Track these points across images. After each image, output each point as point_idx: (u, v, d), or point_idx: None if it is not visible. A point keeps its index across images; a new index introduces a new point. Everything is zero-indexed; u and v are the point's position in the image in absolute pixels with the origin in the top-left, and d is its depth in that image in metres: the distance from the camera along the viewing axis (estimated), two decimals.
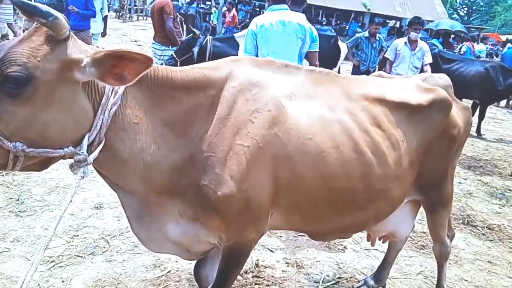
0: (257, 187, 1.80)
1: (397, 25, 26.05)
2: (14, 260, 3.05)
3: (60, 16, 1.37)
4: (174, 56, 6.11)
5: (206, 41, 6.11)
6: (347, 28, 24.10)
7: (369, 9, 23.73)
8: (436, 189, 2.49)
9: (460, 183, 5.71)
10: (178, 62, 5.88)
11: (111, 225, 3.64)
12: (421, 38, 7.54)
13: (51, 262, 3.07)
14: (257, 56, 4.17)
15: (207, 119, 1.74)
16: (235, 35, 6.34)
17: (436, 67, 7.56)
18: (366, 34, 8.47)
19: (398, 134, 2.14)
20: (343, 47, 9.07)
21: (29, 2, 1.35)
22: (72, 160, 1.53)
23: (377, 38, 8.29)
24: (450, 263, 3.50)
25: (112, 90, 1.55)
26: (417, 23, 7.16)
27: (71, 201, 1.55)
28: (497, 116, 11.95)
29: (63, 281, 2.88)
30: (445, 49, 10.56)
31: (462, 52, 12.43)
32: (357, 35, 8.94)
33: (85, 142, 1.50)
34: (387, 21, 26.12)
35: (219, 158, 1.72)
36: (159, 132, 1.67)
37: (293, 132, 1.84)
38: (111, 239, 3.44)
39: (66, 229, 3.51)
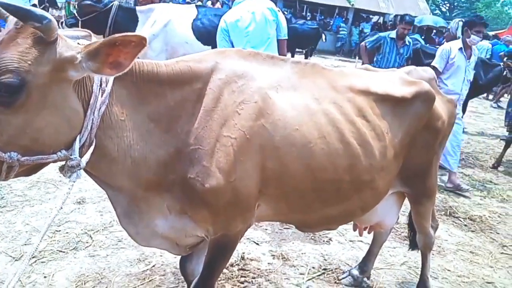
0: (244, 179, 1.78)
1: (381, 20, 26.26)
2: None
3: (52, 17, 1.31)
4: (76, 15, 5.64)
5: (112, 5, 5.56)
6: (331, 23, 24.18)
7: (353, 5, 23.82)
8: (421, 180, 2.51)
9: (442, 175, 5.79)
10: (80, 22, 5.44)
11: (93, 220, 3.59)
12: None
13: (33, 257, 3.00)
14: None
15: (194, 113, 1.72)
16: (137, 8, 5.84)
17: (418, 62, 7.59)
18: (393, 34, 6.51)
19: (383, 126, 2.15)
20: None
21: (23, 6, 1.27)
22: (62, 162, 1.48)
23: (407, 42, 6.53)
24: (433, 254, 3.56)
25: (100, 88, 1.51)
26: (481, 24, 5.24)
27: (61, 208, 1.52)
28: (478, 110, 12.17)
29: (45, 277, 2.82)
30: (428, 44, 10.68)
31: None
32: (381, 34, 6.90)
33: (77, 145, 1.46)
34: (370, 16, 26.32)
35: (206, 150, 1.70)
36: (146, 128, 1.64)
37: (280, 123, 1.83)
38: (94, 234, 3.38)
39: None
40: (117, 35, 1.36)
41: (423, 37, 11.74)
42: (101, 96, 1.50)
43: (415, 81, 2.33)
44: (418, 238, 2.87)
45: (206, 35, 5.52)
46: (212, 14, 5.70)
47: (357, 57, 12.57)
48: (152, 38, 5.31)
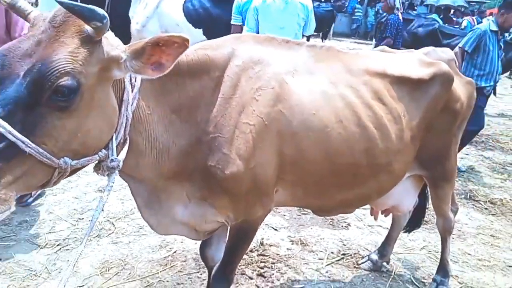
0: (263, 164, 1.80)
1: None
2: (20, 244, 3.08)
3: (102, 10, 1.26)
4: None
5: None
6: (346, 4, 23.73)
7: None
8: (439, 164, 2.48)
9: (462, 158, 5.71)
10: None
11: (115, 207, 3.66)
12: (420, 14, 7.11)
13: (57, 245, 3.09)
14: (258, 32, 4.15)
15: (212, 101, 1.72)
16: None
17: (436, 42, 7.42)
18: (493, 26, 5.00)
19: (399, 108, 2.13)
20: None
21: (87, 6, 1.22)
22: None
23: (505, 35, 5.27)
24: (453, 238, 3.53)
25: (130, 84, 1.51)
26: None
27: (102, 210, 1.47)
28: (499, 91, 11.87)
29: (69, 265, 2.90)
30: (446, 24, 10.43)
31: (463, 27, 12.27)
32: (478, 26, 5.35)
33: (114, 144, 1.45)
34: None
35: (226, 138, 1.71)
36: (168, 119, 1.66)
37: (297, 108, 1.83)
38: (116, 221, 3.46)
39: (71, 212, 3.53)
40: (161, 35, 1.34)
41: (441, 17, 11.47)
42: (132, 91, 1.50)
43: (433, 62, 2.30)
44: (437, 222, 2.86)
45: (196, 17, 5.46)
46: None
47: (373, 39, 12.33)
48: (147, 21, 5.29)
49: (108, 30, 1.33)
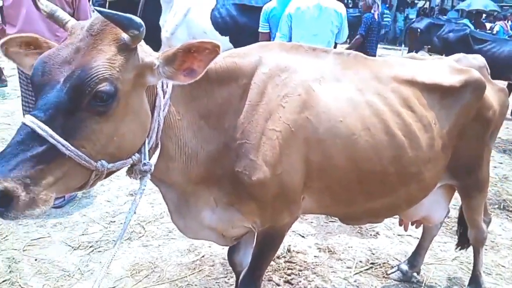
0: (290, 171, 1.81)
1: (427, 5, 25.22)
2: (54, 245, 3.19)
3: (139, 19, 1.31)
4: None
5: None
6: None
7: None
8: (471, 173, 2.43)
9: (495, 167, 5.55)
10: (107, 3, 5.36)
11: (145, 211, 3.74)
12: (451, 19, 6.98)
13: (90, 247, 3.18)
14: (290, 39, 4.18)
15: (240, 108, 1.75)
16: None
17: (467, 48, 7.24)
18: None
19: (430, 116, 2.10)
20: None
21: (125, 15, 1.28)
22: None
23: None
24: (486, 249, 3.43)
25: (162, 90, 1.55)
26: None
27: (134, 212, 1.53)
28: None
29: (103, 266, 2.98)
30: (477, 30, 10.19)
31: (495, 32, 11.96)
32: None
33: (147, 148, 1.50)
34: (415, 1, 25.33)
35: (252, 144, 1.73)
36: (197, 125, 1.70)
37: (324, 115, 1.84)
38: (146, 224, 3.53)
39: (103, 215, 3.63)
40: (193, 41, 1.38)
41: (472, 22, 11.22)
42: (164, 97, 1.55)
43: (464, 69, 2.26)
44: (470, 233, 2.79)
45: (223, 25, 5.55)
46: (230, 4, 5.68)
47: (403, 45, 12.17)
48: (175, 29, 5.40)
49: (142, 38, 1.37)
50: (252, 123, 1.74)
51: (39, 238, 3.25)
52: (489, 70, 2.49)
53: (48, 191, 1.26)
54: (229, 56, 1.82)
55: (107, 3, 5.44)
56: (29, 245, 3.15)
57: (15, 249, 3.09)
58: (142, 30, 1.31)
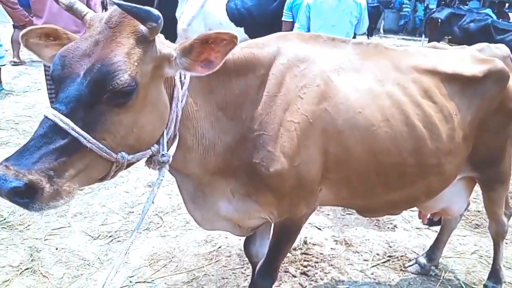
0: (308, 163, 1.80)
1: None
2: (74, 235, 3.25)
3: (157, 11, 1.31)
4: None
5: None
6: (393, 0, 23.04)
7: None
8: (493, 166, 2.38)
9: None
10: None
11: (163, 202, 3.78)
12: (472, 9, 6.81)
13: (110, 237, 3.24)
14: (309, 29, 4.17)
15: (258, 99, 1.75)
16: None
17: (489, 38, 7.07)
18: None
19: (451, 107, 2.06)
20: None
21: (143, 7, 1.27)
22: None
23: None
24: (507, 243, 3.37)
25: (180, 81, 1.56)
26: None
27: (153, 202, 1.53)
28: None
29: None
30: (500, 19, 9.93)
31: None
32: None
33: (165, 139, 1.51)
34: None
35: (270, 135, 1.73)
36: (215, 116, 1.70)
37: (342, 106, 1.82)
38: (164, 215, 3.58)
39: (122, 206, 3.69)
40: (210, 32, 1.37)
41: (494, 12, 10.94)
42: (182, 88, 1.55)
43: (487, 59, 2.20)
44: (490, 226, 2.74)
45: (239, 17, 5.63)
46: None
47: (423, 35, 11.90)
48: (192, 20, 5.44)
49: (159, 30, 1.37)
50: (270, 114, 1.73)
51: (60, 228, 3.32)
52: None
53: (71, 182, 1.28)
54: (247, 46, 1.81)
55: None
56: (50, 235, 3.22)
57: (37, 239, 3.16)
58: (160, 22, 1.31)
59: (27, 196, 1.19)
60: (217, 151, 1.73)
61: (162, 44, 1.44)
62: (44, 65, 4.15)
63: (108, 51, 1.30)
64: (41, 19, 3.94)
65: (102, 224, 3.41)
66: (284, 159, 1.74)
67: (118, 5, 1.27)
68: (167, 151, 1.52)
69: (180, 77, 1.56)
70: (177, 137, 1.58)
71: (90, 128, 1.28)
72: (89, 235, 3.25)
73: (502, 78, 2.16)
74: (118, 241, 3.19)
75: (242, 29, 5.63)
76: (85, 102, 1.28)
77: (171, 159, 1.53)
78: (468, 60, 2.20)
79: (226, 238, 3.28)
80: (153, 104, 1.43)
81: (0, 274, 2.78)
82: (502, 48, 2.43)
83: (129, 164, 1.46)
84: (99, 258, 3.00)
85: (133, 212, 3.59)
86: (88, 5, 3.96)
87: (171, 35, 5.43)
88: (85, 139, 1.26)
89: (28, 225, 3.31)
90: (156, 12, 1.30)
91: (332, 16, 4.12)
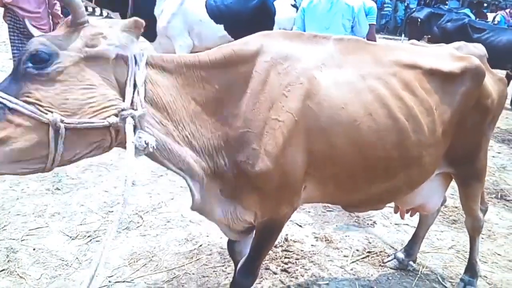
0: (293, 161, 1.81)
1: None
2: (52, 235, 3.20)
3: (80, 2, 1.45)
4: None
5: None
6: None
7: None
8: (469, 162, 2.44)
9: (493, 157, 5.56)
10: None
11: (143, 201, 3.75)
12: (452, 9, 6.94)
13: (88, 237, 3.19)
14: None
15: (241, 96, 1.75)
16: None
17: (466, 37, 7.21)
18: None
19: (431, 101, 2.09)
20: None
21: None
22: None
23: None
24: (483, 238, 3.45)
25: (136, 63, 1.58)
26: None
27: (133, 184, 1.53)
28: None
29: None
30: (477, 19, 10.13)
31: (496, 22, 11.89)
32: None
33: (127, 101, 1.51)
34: None
35: (255, 133, 1.73)
36: (193, 110, 1.70)
37: (326, 103, 1.83)
38: (144, 214, 3.54)
39: (101, 205, 3.64)
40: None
41: (473, 12, 11.15)
42: (138, 68, 1.57)
43: (464, 56, 2.25)
44: (466, 221, 2.80)
45: (218, 13, 5.69)
46: None
47: (403, 35, 12.08)
48: (172, 17, 5.43)
49: (86, 19, 1.51)
50: (254, 112, 1.74)
51: (37, 228, 3.25)
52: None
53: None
54: (227, 45, 1.83)
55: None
56: (27, 235, 3.16)
57: (14, 239, 3.09)
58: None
59: None
60: (202, 147, 1.74)
61: (94, 28, 1.54)
62: (8, 27, 5.15)
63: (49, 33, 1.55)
64: None
65: (81, 224, 3.35)
66: (269, 157, 1.74)
67: None
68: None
69: (136, 62, 1.59)
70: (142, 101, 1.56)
71: (17, 93, 1.38)
72: (67, 235, 3.20)
73: (478, 75, 2.21)
74: (96, 241, 3.15)
75: (221, 26, 5.65)
76: (15, 71, 1.44)
77: (137, 114, 1.50)
78: (446, 57, 2.24)
79: (207, 236, 3.28)
80: (90, 82, 1.47)
81: None
82: (479, 47, 2.49)
83: (90, 144, 1.50)
84: (77, 258, 2.95)
85: (112, 211, 3.55)
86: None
87: (151, 33, 5.39)
88: (8, 100, 1.34)
89: (5, 226, 3.24)
90: None
91: (325, 19, 4.21)
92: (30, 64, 1.40)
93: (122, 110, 1.49)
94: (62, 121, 1.38)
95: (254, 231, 2.09)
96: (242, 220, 1.99)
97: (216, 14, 5.62)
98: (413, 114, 2.01)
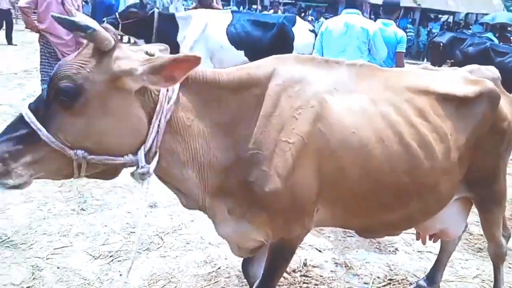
0: (303, 183, 1.83)
1: (450, 19, 24.96)
2: (76, 255, 3.27)
3: (100, 28, 1.46)
4: (117, 16, 5.98)
5: (153, 12, 5.96)
6: (396, 24, 23.31)
7: (419, 4, 22.85)
8: (487, 186, 2.40)
9: None
10: (120, 25, 5.81)
11: (164, 223, 3.81)
12: (475, 33, 6.98)
13: (110, 256, 3.26)
14: (322, 55, 4.41)
15: (253, 118, 1.79)
16: (176, 15, 6.16)
17: (488, 61, 7.17)
18: None
19: (445, 127, 2.09)
20: None
21: (66, 17, 1.47)
22: (133, 168, 1.62)
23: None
24: (510, 267, 3.35)
25: (166, 95, 1.62)
26: None
27: (145, 216, 1.64)
28: None
29: (121, 275, 3.05)
30: (501, 43, 10.04)
31: None
32: None
33: (142, 152, 1.58)
34: (439, 16, 25.11)
35: (265, 155, 1.76)
36: (209, 133, 1.74)
37: (337, 127, 1.85)
38: (164, 236, 3.59)
39: (123, 226, 3.71)
40: (180, 55, 1.50)
41: (496, 36, 11.06)
42: (167, 103, 1.61)
43: (478, 80, 2.25)
44: (489, 247, 2.74)
45: (239, 40, 5.88)
46: (245, 20, 6.01)
47: (425, 59, 12.10)
48: (194, 44, 5.63)
49: (113, 43, 1.51)
50: (265, 134, 1.77)
51: (62, 247, 3.34)
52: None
53: (25, 168, 1.47)
54: (242, 68, 1.89)
55: (120, 24, 5.74)
56: (52, 254, 3.24)
57: (39, 257, 3.18)
58: (90, 32, 1.45)
59: None
60: (213, 168, 1.77)
61: (125, 58, 1.53)
62: (40, 50, 5.63)
63: (71, 59, 1.52)
64: (44, 25, 5.48)
65: (103, 244, 3.43)
66: (278, 179, 1.77)
67: (52, 16, 1.48)
68: (146, 163, 1.59)
69: (167, 91, 1.62)
70: (158, 152, 1.62)
71: (47, 123, 1.47)
72: (90, 255, 3.27)
73: (493, 98, 2.20)
74: (118, 261, 3.21)
75: (242, 52, 5.81)
76: (46, 100, 1.50)
77: (151, 171, 1.60)
78: (460, 81, 2.25)
79: (226, 259, 3.29)
80: (117, 114, 1.53)
81: None
82: (492, 70, 2.48)
83: (110, 171, 1.64)
84: (99, 277, 3.01)
85: (134, 232, 3.61)
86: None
87: None
88: (40, 130, 1.44)
89: (31, 244, 3.34)
90: (83, 22, 1.45)
91: (341, 42, 4.35)
92: (57, 96, 1.48)
93: (140, 167, 1.58)
94: (84, 158, 1.50)
95: (267, 253, 2.10)
96: (252, 239, 2.00)
97: (236, 41, 5.79)
98: (426, 141, 2.01)
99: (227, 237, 2.03)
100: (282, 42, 6.11)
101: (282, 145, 1.77)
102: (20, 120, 1.49)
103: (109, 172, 1.68)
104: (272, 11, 16.43)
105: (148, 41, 5.50)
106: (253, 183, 1.77)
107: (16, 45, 13.77)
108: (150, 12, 5.94)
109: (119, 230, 3.65)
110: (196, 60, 1.49)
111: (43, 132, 1.45)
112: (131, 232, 3.62)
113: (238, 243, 2.04)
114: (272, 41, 5.99)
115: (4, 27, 13.95)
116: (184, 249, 3.43)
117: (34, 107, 1.51)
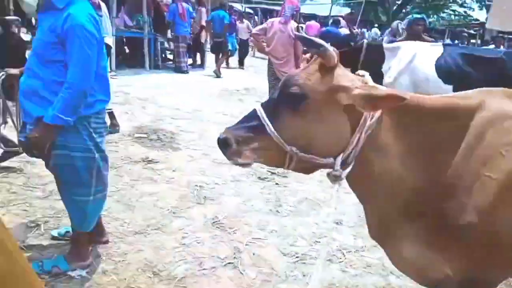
0: (505, 222, 1.73)
1: None
2: (269, 248, 3.74)
3: (330, 47, 1.74)
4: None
5: (362, 43, 6.08)
6: None
7: None
8: None
9: None
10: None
11: (348, 240, 3.98)
12: None
13: (296, 257, 3.61)
14: None
15: (454, 147, 1.78)
16: (384, 46, 5.97)
17: None
18: None
19: None
20: None
21: (310, 37, 1.82)
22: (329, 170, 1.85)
23: None
24: None
25: (370, 112, 1.78)
26: None
27: (335, 208, 1.88)
28: None
29: (304, 275, 3.36)
30: None
31: None
32: None
33: (339, 158, 1.79)
34: None
35: (464, 186, 1.74)
36: (406, 155, 1.81)
37: None
38: (347, 253, 3.77)
39: (310, 234, 4.05)
40: (394, 92, 1.69)
41: None
42: (370, 120, 1.77)
43: None
44: None
45: (448, 74, 5.49)
46: (457, 54, 5.57)
47: None
48: (399, 75, 5.54)
49: (336, 62, 1.76)
50: (466, 166, 1.75)
51: (258, 238, 3.86)
52: None
53: (251, 152, 1.78)
54: (448, 96, 1.94)
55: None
56: (250, 242, 3.77)
57: (240, 242, 3.74)
58: (321, 49, 1.71)
59: (224, 147, 1.77)
60: (405, 189, 1.82)
61: (344, 76, 1.78)
62: (268, 67, 6.96)
63: (300, 71, 1.83)
64: (269, 48, 6.71)
65: (292, 245, 3.81)
66: (475, 213, 1.72)
67: (295, 35, 1.88)
68: (342, 170, 1.79)
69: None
70: (353, 162, 1.79)
71: (273, 120, 1.76)
72: (280, 251, 3.68)
73: None
74: (303, 262, 3.53)
75: (450, 87, 5.53)
76: (276, 101, 1.81)
77: (343, 176, 1.79)
78: None
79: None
80: (328, 122, 1.77)
81: (209, 261, 3.43)
82: None
83: (309, 168, 1.86)
84: (285, 272, 3.38)
85: (319, 242, 3.90)
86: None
87: None
88: (268, 125, 1.75)
89: (236, 230, 3.96)
90: (319, 41, 1.74)
91: None
92: (285, 99, 1.77)
93: (335, 170, 1.79)
94: (297, 154, 1.79)
95: None
96: (439, 271, 1.92)
97: (445, 74, 5.53)
98: None
99: (407, 260, 1.98)
100: (498, 78, 5.61)
101: (484, 179, 1.73)
102: (253, 114, 1.80)
103: (309, 169, 1.93)
104: (493, 45, 14.91)
105: (353, 70, 5.80)
106: (447, 213, 1.77)
107: (243, 68, 16.13)
108: (360, 42, 6.30)
109: (306, 236, 3.99)
110: (400, 99, 1.66)
111: (270, 126, 1.74)
112: (316, 241, 3.92)
113: (419, 269, 1.98)
114: (487, 77, 5.56)
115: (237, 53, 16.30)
116: (365, 270, 3.53)
117: (265, 105, 1.82)
